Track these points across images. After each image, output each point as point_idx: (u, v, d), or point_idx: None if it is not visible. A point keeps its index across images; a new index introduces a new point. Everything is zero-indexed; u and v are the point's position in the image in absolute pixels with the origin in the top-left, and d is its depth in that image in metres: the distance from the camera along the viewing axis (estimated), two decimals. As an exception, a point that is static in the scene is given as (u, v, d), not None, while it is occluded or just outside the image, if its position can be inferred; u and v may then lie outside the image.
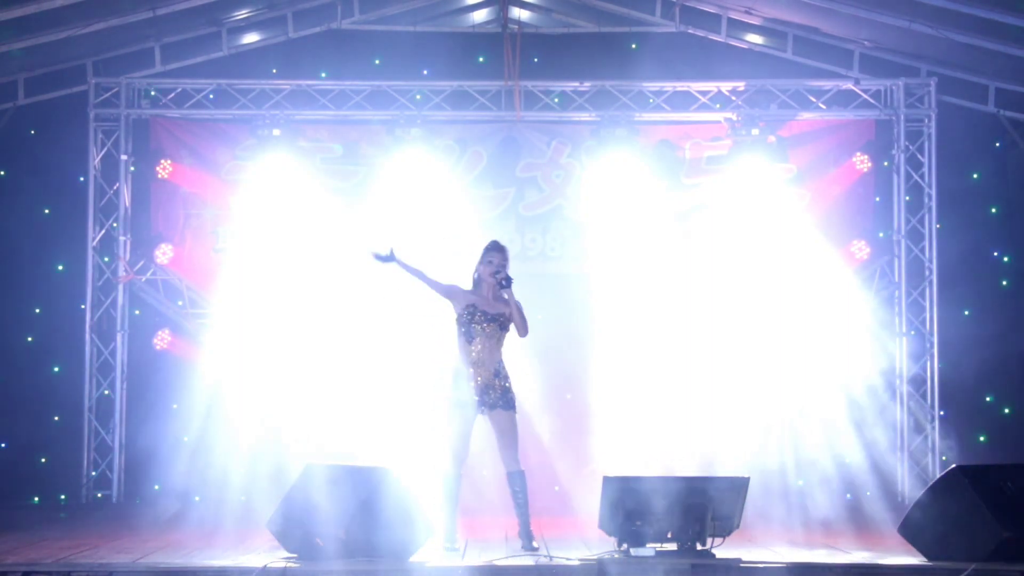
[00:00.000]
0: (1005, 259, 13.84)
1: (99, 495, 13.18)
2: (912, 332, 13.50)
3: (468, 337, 8.71)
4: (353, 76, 13.60)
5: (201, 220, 13.52)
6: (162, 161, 13.45)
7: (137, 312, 13.55)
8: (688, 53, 13.95)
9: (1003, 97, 13.67)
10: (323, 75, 13.76)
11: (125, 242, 13.43)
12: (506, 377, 8.75)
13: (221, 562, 7.76)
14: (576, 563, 7.77)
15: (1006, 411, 13.58)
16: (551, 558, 7.89)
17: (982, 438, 13.49)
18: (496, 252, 8.81)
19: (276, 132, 13.16)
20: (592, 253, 13.26)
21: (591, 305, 13.08)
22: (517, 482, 8.64)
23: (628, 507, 7.83)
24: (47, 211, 13.66)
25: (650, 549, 7.81)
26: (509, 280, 8.68)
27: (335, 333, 12.81)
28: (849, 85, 13.64)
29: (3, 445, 13.37)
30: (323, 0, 13.78)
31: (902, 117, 13.55)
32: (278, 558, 7.72)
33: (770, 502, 11.20)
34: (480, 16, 14.50)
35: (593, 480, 9.31)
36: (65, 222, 13.57)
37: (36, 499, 13.10)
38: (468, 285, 8.90)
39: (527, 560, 7.90)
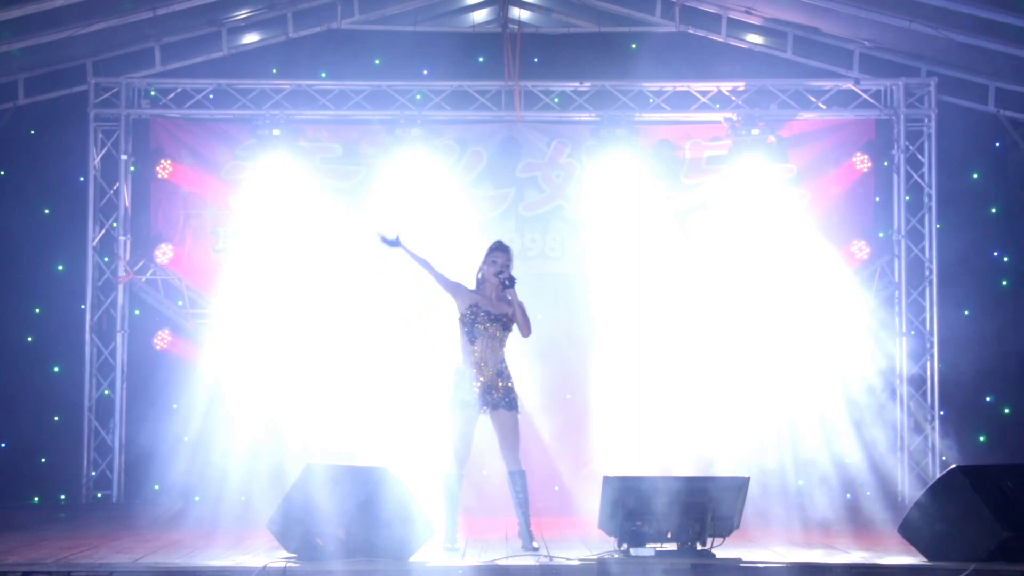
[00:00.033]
0: (1005, 259, 13.84)
1: (99, 495, 13.19)
2: (912, 332, 13.50)
3: (471, 337, 8.71)
4: (353, 76, 13.61)
5: (201, 220, 13.53)
6: (162, 161, 13.46)
7: (137, 312, 13.55)
8: (688, 53, 13.95)
9: (1003, 97, 13.68)
10: (323, 75, 13.76)
11: (125, 242, 13.43)
12: (509, 377, 8.75)
13: (221, 562, 7.75)
14: (576, 563, 7.76)
15: (1006, 411, 13.58)
16: (551, 558, 7.89)
17: (982, 438, 13.49)
18: (500, 252, 8.81)
19: (276, 132, 13.16)
20: (592, 253, 13.27)
21: (591, 305, 13.09)
22: (518, 482, 8.64)
23: (628, 507, 7.83)
24: (47, 211, 13.67)
25: (650, 549, 7.81)
26: (512, 280, 8.68)
27: (335, 333, 12.81)
28: (849, 85, 13.64)
29: (3, 445, 13.38)
30: (323, 0, 13.78)
31: (902, 117, 13.55)
32: (278, 558, 7.72)
33: (770, 502, 11.21)
34: (480, 16, 14.50)
35: (593, 480, 9.31)
36: (65, 222, 13.58)
37: (36, 499, 13.10)
38: (471, 285, 8.89)
39: (527, 560, 7.90)
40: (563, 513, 11.41)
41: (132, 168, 13.58)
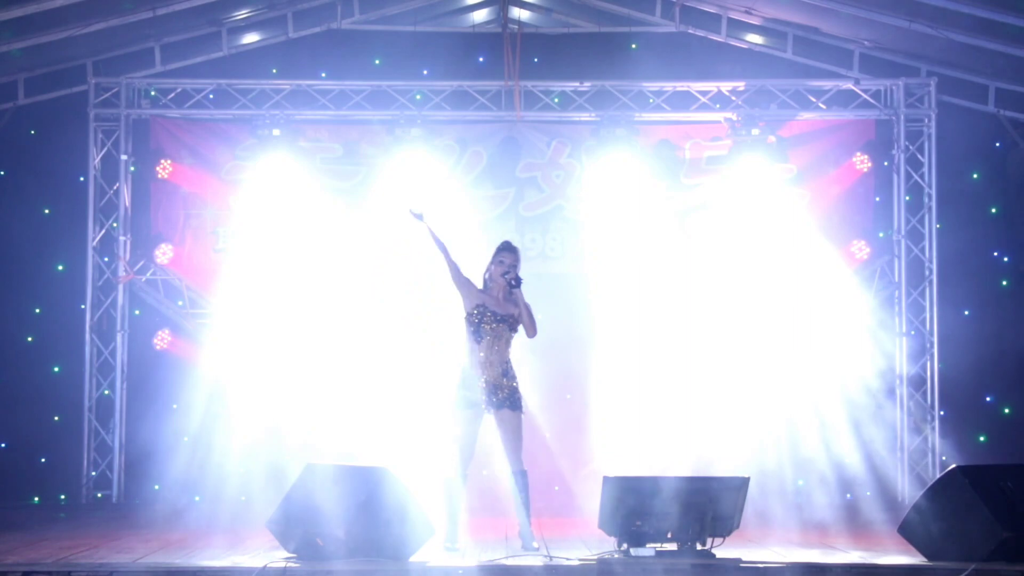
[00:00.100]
0: (1005, 259, 13.84)
1: (99, 495, 13.19)
2: (912, 332, 13.50)
3: (477, 337, 8.71)
4: (353, 76, 13.61)
5: (201, 220, 13.53)
6: (162, 161, 13.46)
7: (137, 312, 13.55)
8: (688, 53, 13.95)
9: (1003, 97, 13.67)
10: (323, 75, 13.76)
11: (125, 242, 13.43)
12: (513, 377, 8.75)
13: (221, 562, 7.75)
14: (576, 563, 7.76)
15: (1006, 411, 13.58)
16: (551, 558, 7.88)
17: (982, 438, 13.49)
18: (508, 252, 8.82)
19: (276, 132, 13.16)
20: (592, 253, 13.27)
21: (591, 305, 13.09)
22: (521, 482, 8.64)
23: (628, 507, 7.82)
24: (47, 211, 13.67)
25: (650, 549, 7.81)
26: (519, 280, 8.69)
27: (335, 333, 12.81)
28: (849, 85, 13.64)
29: (3, 445, 13.38)
30: (323, 0, 13.78)
31: (902, 117, 13.55)
32: (278, 558, 7.72)
33: (770, 502, 11.21)
34: (480, 16, 14.50)
35: (593, 480, 9.31)
36: (65, 222, 13.58)
37: (36, 499, 13.10)
38: (479, 284, 8.89)
39: (527, 560, 7.90)
40: (563, 513, 11.41)
41: (132, 168, 13.58)
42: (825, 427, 12.78)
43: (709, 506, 7.87)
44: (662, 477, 8.23)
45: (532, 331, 8.79)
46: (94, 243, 13.42)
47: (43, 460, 13.34)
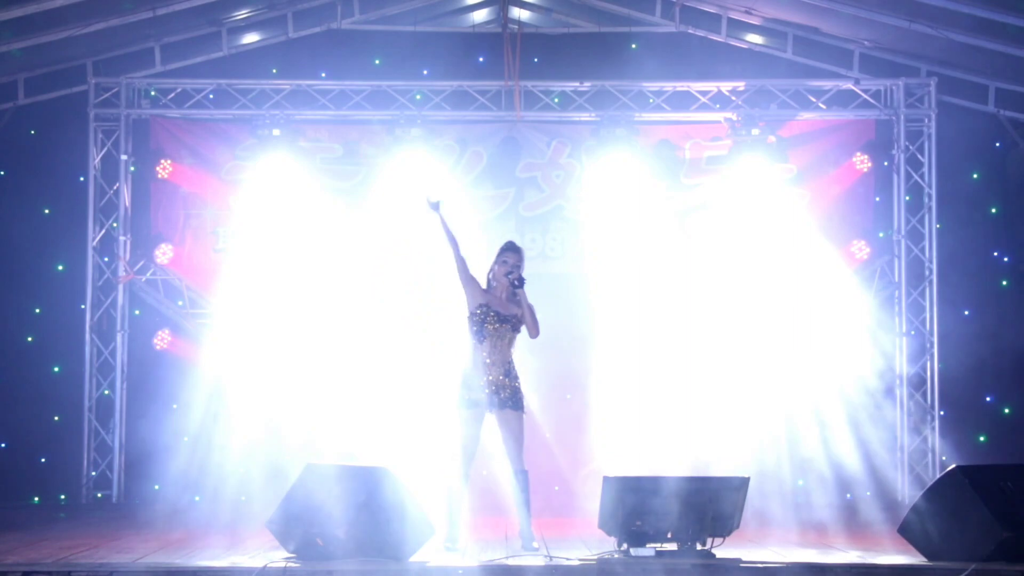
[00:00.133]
0: (1005, 259, 13.84)
1: (99, 495, 13.19)
2: (912, 332, 13.50)
3: (480, 337, 8.70)
4: (353, 76, 13.61)
5: (201, 220, 13.53)
6: (162, 161, 13.46)
7: (137, 312, 13.55)
8: (688, 53, 13.95)
9: (1003, 97, 13.67)
10: (323, 75, 13.76)
11: (125, 242, 13.44)
12: (516, 377, 8.75)
13: (221, 562, 7.75)
14: (576, 563, 7.76)
15: (1006, 411, 13.58)
16: (551, 558, 7.88)
17: (982, 438, 13.49)
18: (512, 252, 8.82)
19: (276, 132, 13.16)
20: (592, 253, 13.27)
21: (591, 305, 13.09)
22: (522, 482, 8.64)
23: (628, 507, 7.82)
24: (47, 211, 13.67)
25: (650, 549, 7.81)
26: (522, 281, 8.69)
27: (335, 333, 12.81)
28: (849, 85, 13.64)
29: (3, 445, 13.39)
30: (323, 0, 13.78)
31: (902, 117, 13.55)
32: (278, 558, 7.72)
33: (770, 502, 11.21)
34: (480, 16, 14.50)
35: (593, 480, 9.31)
36: (65, 222, 13.58)
37: (36, 499, 13.10)
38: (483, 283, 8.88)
39: (527, 560, 7.90)
40: (563, 513, 11.41)
41: (132, 168, 13.58)
42: (825, 427, 12.78)
43: (709, 506, 7.86)
44: (662, 477, 8.23)
45: (535, 332, 8.79)
46: (94, 243, 13.42)
47: (43, 460, 13.34)
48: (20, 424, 13.24)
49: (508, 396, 8.66)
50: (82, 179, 13.52)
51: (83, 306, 13.38)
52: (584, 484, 11.68)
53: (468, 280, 8.80)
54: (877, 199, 13.62)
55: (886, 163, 13.66)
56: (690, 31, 14.07)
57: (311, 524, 7.73)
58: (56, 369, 13.53)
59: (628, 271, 13.05)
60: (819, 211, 13.45)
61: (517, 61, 13.44)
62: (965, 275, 13.61)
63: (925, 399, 13.40)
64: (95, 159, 13.46)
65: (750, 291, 13.07)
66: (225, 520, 10.34)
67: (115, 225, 13.46)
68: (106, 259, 13.48)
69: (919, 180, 13.60)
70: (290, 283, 12.98)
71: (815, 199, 13.51)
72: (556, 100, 13.73)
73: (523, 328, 8.77)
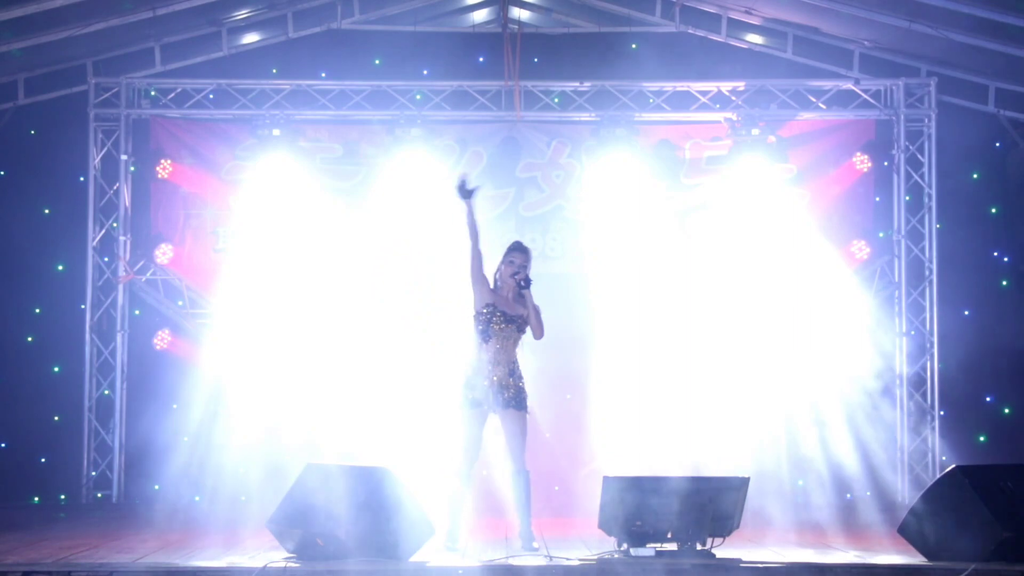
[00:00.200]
0: (1005, 259, 13.84)
1: (99, 495, 13.19)
2: (912, 332, 13.50)
3: (485, 336, 8.68)
4: (353, 76, 13.61)
5: (201, 220, 13.53)
6: (162, 161, 13.46)
7: (137, 312, 13.55)
8: (688, 53, 13.95)
9: (1003, 97, 13.68)
10: (323, 75, 13.76)
11: (125, 242, 13.44)
12: (520, 377, 8.74)
13: (221, 562, 7.75)
14: (576, 563, 7.76)
15: (1006, 411, 13.58)
16: (551, 558, 7.88)
17: (982, 438, 13.49)
18: (519, 252, 8.80)
19: (276, 132, 13.16)
20: (592, 253, 13.26)
21: (591, 305, 13.08)
22: (522, 482, 8.63)
23: (628, 507, 7.82)
24: (47, 211, 13.67)
25: (650, 549, 7.80)
26: (529, 281, 8.67)
27: (335, 333, 12.81)
28: (849, 85, 13.64)
29: (3, 445, 13.39)
30: (323, 0, 13.78)
31: (902, 117, 13.55)
32: (278, 558, 7.71)
33: (770, 502, 11.20)
34: (480, 16, 14.50)
35: (593, 480, 9.30)
36: (65, 222, 13.58)
37: (36, 499, 13.10)
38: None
39: (527, 560, 7.90)
40: (563, 513, 11.40)
41: (132, 168, 13.58)
42: (825, 427, 12.78)
43: (709, 506, 7.86)
44: (662, 477, 8.23)
45: (540, 333, 8.78)
46: (94, 243, 13.42)
47: (43, 460, 13.34)
48: (20, 424, 13.24)
49: (512, 396, 8.65)
50: (82, 179, 13.52)
51: (83, 306, 13.38)
52: (584, 484, 11.66)
53: (479, 278, 8.76)
54: (877, 199, 13.62)
55: (886, 163, 13.66)
56: (690, 31, 14.07)
57: (311, 524, 7.73)
58: (56, 369, 13.53)
59: (628, 271, 13.05)
60: (819, 211, 13.45)
61: (517, 61, 13.44)
62: (965, 275, 13.61)
63: (925, 399, 13.40)
64: (95, 159, 13.47)
65: (750, 291, 13.07)
66: (225, 520, 10.34)
67: (115, 225, 13.46)
68: (106, 259, 13.48)
69: (919, 180, 13.60)
70: (290, 283, 12.98)
71: (815, 199, 13.51)
72: (556, 100, 13.73)
73: (528, 329, 8.75)
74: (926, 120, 13.58)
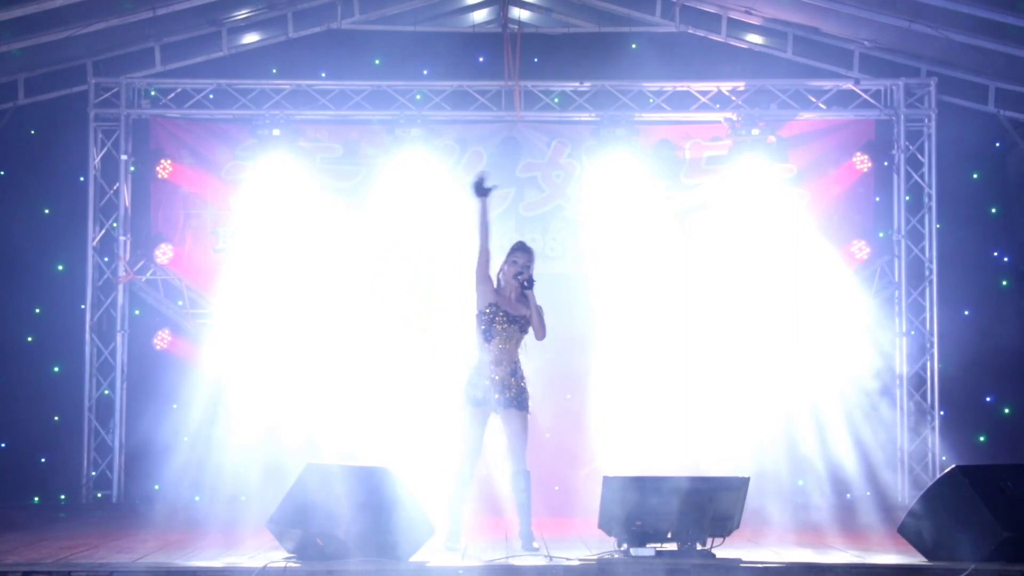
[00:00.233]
0: (1005, 259, 13.84)
1: (99, 495, 13.19)
2: (912, 332, 13.50)
3: (487, 336, 8.67)
4: (353, 76, 13.61)
5: (201, 220, 13.53)
6: (162, 161, 13.46)
7: (137, 312, 13.55)
8: (688, 53, 13.95)
9: (1003, 97, 13.67)
10: (323, 75, 13.76)
11: (125, 242, 13.44)
12: (522, 377, 8.73)
13: (221, 562, 7.75)
14: (576, 563, 7.76)
15: (1006, 411, 13.58)
16: (551, 558, 7.88)
17: (982, 438, 13.49)
18: (522, 253, 8.78)
19: (276, 132, 13.16)
20: (592, 253, 13.26)
21: (591, 305, 13.08)
22: (523, 482, 8.62)
23: (628, 507, 7.82)
24: (47, 211, 13.67)
25: (650, 549, 7.80)
26: (532, 282, 8.67)
27: (335, 333, 12.81)
28: (849, 85, 13.64)
29: (3, 445, 13.38)
30: (323, 0, 13.78)
31: (902, 117, 13.55)
32: (278, 558, 7.71)
33: (770, 502, 11.20)
34: (480, 16, 14.50)
35: (593, 480, 9.30)
36: (65, 222, 13.58)
37: (36, 499, 13.10)
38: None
39: (527, 560, 7.90)
40: (563, 513, 11.40)
41: (132, 168, 13.58)
42: (825, 427, 12.78)
43: (709, 506, 7.86)
44: (662, 477, 8.23)
45: (542, 333, 8.77)
46: (94, 243, 13.42)
47: (43, 460, 13.34)
48: (20, 424, 13.24)
49: (514, 396, 8.64)
50: (82, 179, 13.52)
51: (83, 306, 13.38)
52: (584, 484, 11.66)
53: (484, 277, 8.74)
54: (877, 199, 13.62)
55: (886, 163, 13.66)
56: (690, 31, 14.07)
57: (311, 524, 7.73)
58: (56, 369, 13.53)
59: (628, 271, 13.04)
60: (819, 211, 13.45)
61: (517, 61, 13.44)
62: (965, 275, 13.61)
63: (925, 399, 13.40)
64: (95, 159, 13.47)
65: (750, 291, 13.07)
66: (225, 520, 10.34)
67: (115, 225, 13.46)
68: (106, 259, 13.48)
69: (919, 180, 13.60)
70: (290, 283, 12.98)
71: (815, 199, 13.51)
72: (556, 100, 13.73)
73: (530, 329, 8.75)
74: (926, 120, 13.58)
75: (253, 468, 12.16)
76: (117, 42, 13.38)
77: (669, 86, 13.64)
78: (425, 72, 13.88)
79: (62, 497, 13.21)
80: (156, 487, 12.77)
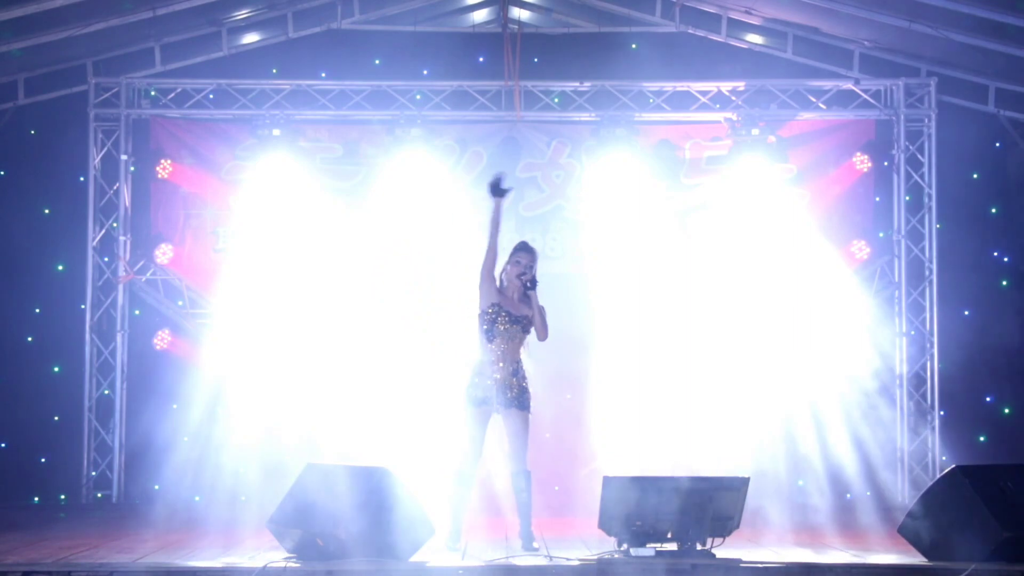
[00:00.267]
0: (1005, 259, 13.84)
1: (99, 495, 13.19)
2: (912, 332, 13.51)
3: (489, 336, 8.66)
4: (353, 76, 13.61)
5: (201, 220, 13.53)
6: (162, 161, 13.46)
7: (137, 312, 13.55)
8: (688, 53, 13.95)
9: (1003, 97, 13.68)
10: (323, 75, 13.76)
11: (125, 242, 13.44)
12: (524, 377, 8.73)
13: (221, 562, 7.75)
14: (576, 563, 7.76)
15: (1006, 411, 13.58)
16: (551, 558, 7.89)
17: (982, 438, 13.49)
18: (524, 253, 8.78)
19: (276, 132, 13.16)
20: (592, 253, 13.26)
21: (591, 305, 13.08)
22: (523, 482, 8.62)
23: (628, 507, 7.82)
24: (47, 211, 13.67)
25: (650, 549, 7.80)
26: (535, 282, 8.66)
27: (335, 333, 12.81)
28: (849, 85, 13.64)
29: (3, 445, 13.38)
30: (323, 0, 13.78)
31: (902, 117, 13.55)
32: (278, 558, 7.72)
33: (770, 502, 11.20)
34: (480, 16, 14.50)
35: (593, 480, 9.30)
36: (65, 222, 13.58)
37: (36, 499, 13.10)
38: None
39: (527, 560, 7.90)
40: (563, 513, 11.40)
41: (132, 168, 13.58)
42: (825, 427, 12.78)
43: (709, 506, 7.86)
44: (662, 477, 8.23)
45: (544, 334, 8.76)
46: (94, 243, 13.42)
47: (43, 460, 13.34)
48: (20, 424, 13.24)
49: (515, 396, 8.64)
50: (82, 179, 13.52)
51: (83, 306, 13.38)
52: (584, 484, 11.66)
53: (489, 276, 8.73)
54: (877, 199, 13.63)
55: (886, 163, 13.66)
56: (690, 31, 14.06)
57: (311, 524, 7.73)
58: (56, 369, 13.53)
59: (628, 271, 13.04)
60: (819, 211, 13.45)
61: (517, 61, 13.44)
62: (965, 275, 13.61)
63: (925, 399, 13.40)
64: (95, 159, 13.47)
65: (750, 291, 13.07)
66: (225, 520, 10.34)
67: (115, 225, 13.46)
68: (106, 259, 13.48)
69: (919, 180, 13.60)
70: (290, 283, 12.98)
71: (815, 199, 13.51)
72: (556, 100, 13.73)
73: (532, 329, 8.74)
74: (926, 120, 13.58)
75: (253, 468, 12.16)
76: (117, 42, 13.38)
77: (669, 86, 13.64)
78: (425, 72, 13.88)
79: (62, 497, 13.22)
80: (156, 487, 12.76)
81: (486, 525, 9.93)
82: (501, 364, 8.63)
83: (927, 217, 13.56)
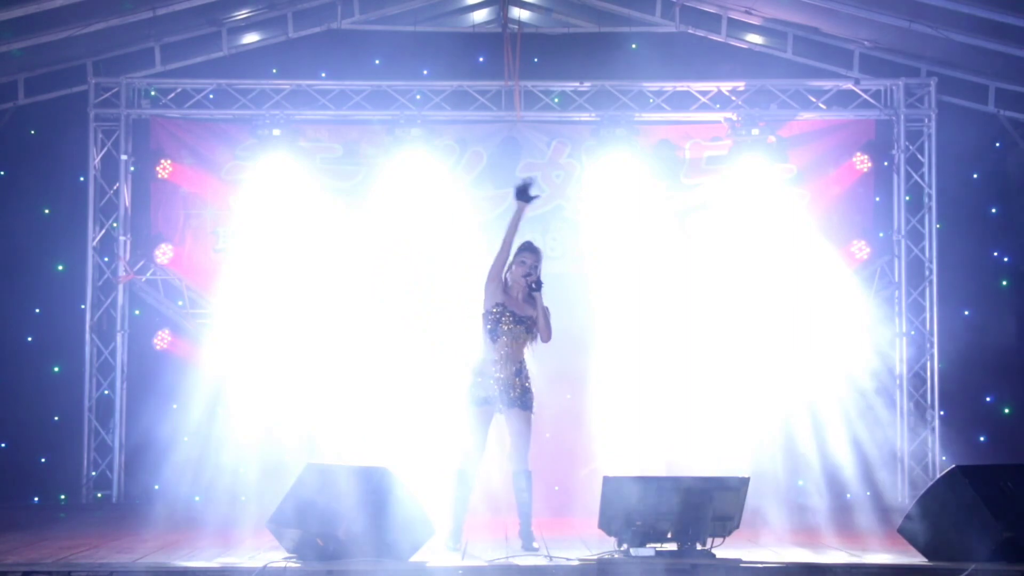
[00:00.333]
0: (1005, 259, 13.84)
1: (99, 495, 13.19)
2: (912, 332, 13.51)
3: (493, 336, 8.65)
4: (353, 76, 13.61)
5: (201, 220, 13.54)
6: (162, 161, 13.47)
7: (137, 312, 13.55)
8: (688, 53, 13.95)
9: (1003, 97, 13.68)
10: (323, 75, 13.76)
11: (125, 242, 13.44)
12: (527, 377, 8.72)
13: (221, 562, 7.76)
14: (576, 563, 7.76)
15: (1006, 411, 13.59)
16: (551, 558, 7.89)
17: (982, 438, 13.49)
18: (529, 253, 8.76)
19: (276, 132, 13.16)
20: (592, 253, 13.26)
21: (591, 305, 13.08)
22: (525, 482, 8.61)
23: (628, 507, 7.82)
24: (47, 211, 13.68)
25: (650, 549, 7.80)
26: (540, 284, 8.66)
27: (335, 333, 12.81)
28: (849, 85, 13.64)
29: (3, 445, 13.39)
30: (323, 0, 13.78)
31: (902, 117, 13.55)
32: (278, 558, 7.71)
33: (769, 502, 11.19)
34: (480, 16, 14.50)
35: (593, 480, 9.30)
36: (65, 222, 13.58)
37: (36, 499, 13.10)
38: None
39: (527, 560, 7.90)
40: (563, 513, 11.40)
41: (132, 168, 13.59)
42: (825, 427, 12.78)
43: (709, 506, 7.86)
44: (662, 477, 8.25)
45: (547, 336, 8.75)
46: (94, 243, 13.42)
47: (43, 460, 13.34)
48: (20, 424, 13.24)
49: (518, 395, 8.63)
50: (82, 179, 13.52)
51: (83, 306, 13.38)
52: (584, 484, 11.66)
53: (497, 277, 8.70)
54: (877, 199, 13.63)
55: (886, 163, 13.66)
56: (690, 31, 14.07)
57: (311, 524, 7.73)
58: (56, 369, 13.53)
59: (628, 271, 13.04)
60: (819, 211, 13.45)
61: (517, 61, 13.44)
62: (965, 275, 13.61)
63: (925, 399, 13.40)
64: (95, 159, 13.47)
65: (750, 291, 13.07)
66: (225, 520, 10.33)
67: (115, 225, 13.46)
68: (106, 259, 13.48)
69: (919, 180, 13.60)
70: (290, 283, 12.98)
71: (815, 199, 13.51)
72: (556, 100, 13.73)
73: (536, 330, 8.74)
74: (926, 120, 13.58)
75: (253, 468, 12.16)
76: (117, 42, 13.38)
77: (669, 86, 13.64)
78: (425, 72, 13.88)
79: (62, 497, 13.22)
80: (156, 487, 12.75)
81: (486, 525, 9.93)
82: (504, 364, 8.62)
83: (927, 217, 13.56)
